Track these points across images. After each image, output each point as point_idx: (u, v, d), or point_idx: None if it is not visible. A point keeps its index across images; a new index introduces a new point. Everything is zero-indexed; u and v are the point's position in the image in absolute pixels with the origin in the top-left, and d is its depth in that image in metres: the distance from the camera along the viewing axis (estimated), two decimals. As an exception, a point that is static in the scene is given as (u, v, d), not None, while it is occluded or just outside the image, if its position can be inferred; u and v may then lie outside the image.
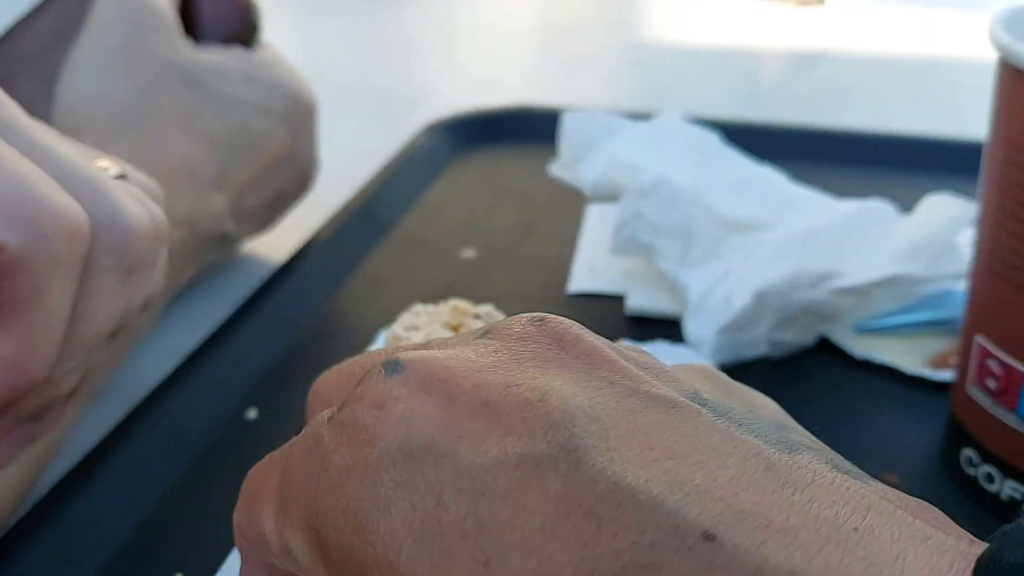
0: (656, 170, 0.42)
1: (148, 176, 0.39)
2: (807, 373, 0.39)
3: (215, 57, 0.43)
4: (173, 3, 0.44)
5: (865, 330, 0.40)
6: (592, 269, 0.47)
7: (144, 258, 0.29)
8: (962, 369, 0.31)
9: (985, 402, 0.30)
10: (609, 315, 0.43)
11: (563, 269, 0.48)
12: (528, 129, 0.66)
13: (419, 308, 0.33)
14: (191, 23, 0.46)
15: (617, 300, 0.44)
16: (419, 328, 0.31)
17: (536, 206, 0.55)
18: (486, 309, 0.33)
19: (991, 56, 0.29)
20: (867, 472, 0.34)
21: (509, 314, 0.42)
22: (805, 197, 0.45)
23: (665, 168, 0.44)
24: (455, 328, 0.31)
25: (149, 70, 0.41)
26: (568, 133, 0.47)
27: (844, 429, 0.36)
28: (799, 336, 0.39)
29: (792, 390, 0.38)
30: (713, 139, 0.47)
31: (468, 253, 0.50)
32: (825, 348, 0.40)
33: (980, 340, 0.30)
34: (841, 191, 0.58)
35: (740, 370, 0.39)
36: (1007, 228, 0.28)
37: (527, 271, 0.48)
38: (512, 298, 0.45)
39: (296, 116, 0.46)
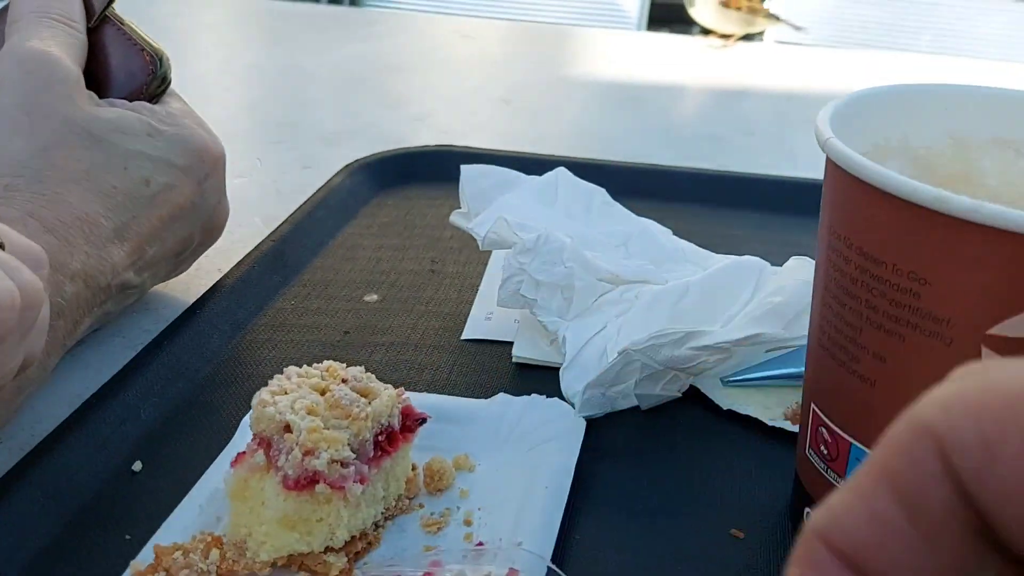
0: (542, 226, 0.43)
1: (44, 231, 0.38)
2: (676, 422, 0.40)
3: (118, 112, 0.43)
4: (78, 58, 0.44)
5: (732, 382, 0.40)
6: (487, 316, 0.47)
7: (10, 329, 0.29)
8: (802, 432, 0.32)
9: (820, 466, 0.31)
10: (498, 362, 0.44)
11: (462, 314, 0.48)
12: (447, 170, 0.66)
13: (292, 370, 0.33)
14: (99, 77, 0.45)
15: (508, 347, 0.45)
16: (288, 392, 0.31)
17: (444, 248, 0.55)
18: (354, 372, 0.33)
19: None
20: (717, 526, 0.34)
21: (393, 364, 0.43)
22: (684, 251, 0.45)
23: (552, 223, 0.44)
24: (322, 391, 0.31)
25: (48, 128, 0.40)
26: (465, 186, 0.47)
27: (707, 479, 0.36)
28: (668, 389, 0.39)
29: (660, 439, 0.39)
30: (601, 194, 0.47)
31: (371, 297, 0.50)
32: (695, 397, 0.41)
33: (814, 407, 0.30)
34: (747, 235, 0.58)
35: (610, 418, 0.39)
36: (831, 308, 0.28)
37: (426, 316, 0.48)
38: (406, 344, 0.45)
39: (202, 167, 0.46)
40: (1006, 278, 0.23)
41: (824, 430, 0.30)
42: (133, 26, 0.47)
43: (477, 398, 0.39)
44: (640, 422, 0.39)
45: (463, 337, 0.45)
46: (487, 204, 0.45)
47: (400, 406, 0.32)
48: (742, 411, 0.39)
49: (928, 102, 0.32)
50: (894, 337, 0.26)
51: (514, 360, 0.43)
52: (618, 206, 0.47)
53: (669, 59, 1.12)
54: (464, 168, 0.48)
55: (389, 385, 0.33)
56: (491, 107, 0.88)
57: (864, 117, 0.31)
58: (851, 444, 0.29)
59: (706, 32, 1.22)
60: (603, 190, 0.47)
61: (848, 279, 0.27)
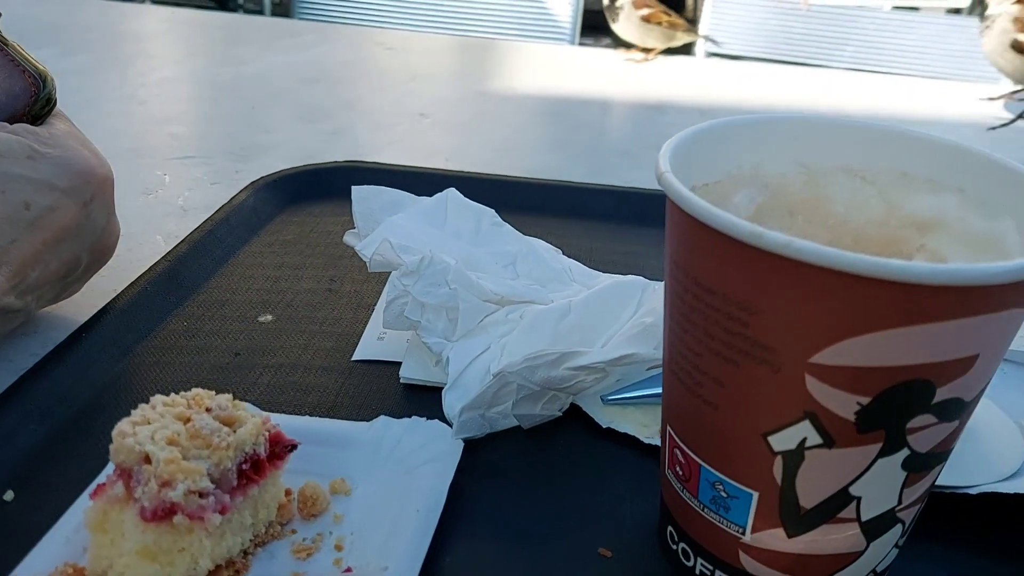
0: (428, 246, 0.43)
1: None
2: (556, 441, 0.40)
3: (-5, 135, 0.42)
4: (-45, 80, 0.43)
5: (611, 400, 0.41)
6: (380, 336, 0.47)
7: None
8: (662, 452, 0.33)
9: (677, 486, 0.31)
10: (386, 383, 0.44)
11: (355, 334, 0.48)
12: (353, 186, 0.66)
13: (158, 399, 0.32)
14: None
15: (398, 367, 0.45)
16: (150, 422, 0.31)
17: (344, 267, 0.55)
18: (221, 400, 0.33)
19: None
20: (587, 546, 0.35)
21: (280, 387, 0.43)
22: (571, 271, 0.46)
23: (440, 244, 0.45)
24: (186, 421, 0.31)
25: (-80, 151, 0.40)
26: (356, 207, 0.47)
27: (581, 498, 0.37)
28: (548, 409, 0.40)
29: (540, 458, 0.39)
30: (490, 215, 0.47)
31: (266, 318, 0.49)
32: (576, 416, 0.41)
33: (669, 429, 0.31)
34: (646, 251, 0.59)
35: (491, 438, 0.40)
36: (676, 333, 0.29)
37: (319, 337, 0.48)
38: (296, 366, 0.45)
39: (86, 188, 0.45)
40: (822, 309, 0.24)
41: (678, 451, 0.31)
42: (17, 47, 0.46)
43: (362, 420, 0.39)
44: (521, 442, 0.40)
45: (354, 358, 0.46)
46: (376, 225, 0.46)
47: (267, 434, 0.32)
48: (620, 429, 0.40)
49: (779, 132, 0.33)
50: (730, 364, 0.27)
51: (402, 381, 0.43)
52: (507, 226, 0.48)
53: (594, 73, 1.13)
54: (355, 188, 0.48)
55: (257, 412, 0.33)
56: (408, 121, 0.88)
57: (718, 147, 0.32)
58: (701, 466, 0.29)
59: (628, 46, 1.24)
60: (492, 211, 0.48)
61: (688, 306, 0.28)
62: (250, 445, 0.31)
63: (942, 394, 0.25)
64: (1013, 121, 0.95)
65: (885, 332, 0.24)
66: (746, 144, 0.33)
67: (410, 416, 0.39)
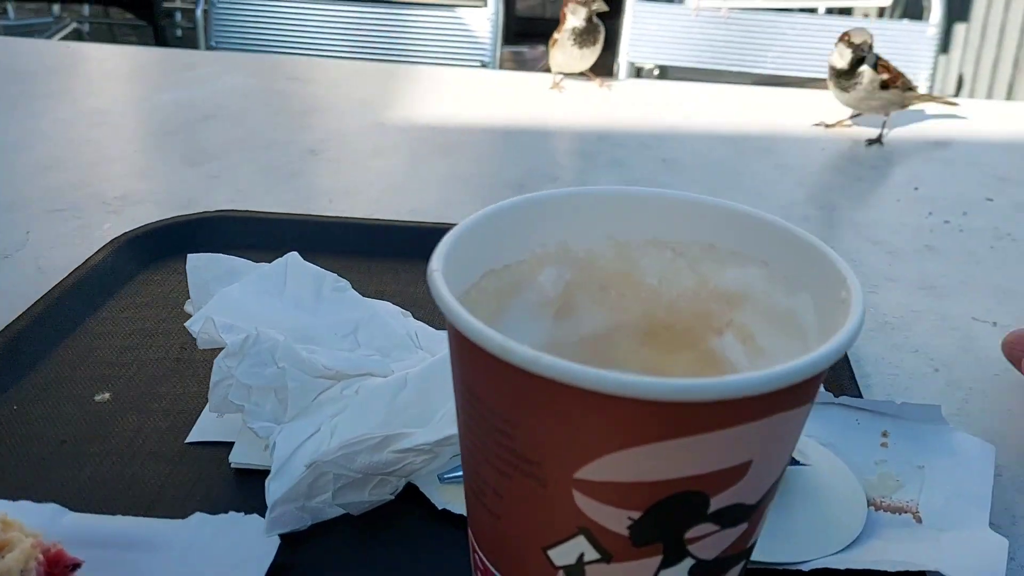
0: (257, 322, 0.41)
1: None
2: (390, 526, 0.38)
3: None
4: None
5: (448, 479, 0.39)
6: (219, 415, 0.45)
7: None
8: (469, 555, 0.31)
9: (483, 589, 0.30)
10: (219, 468, 0.41)
11: (195, 412, 0.45)
12: (227, 238, 0.64)
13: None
14: None
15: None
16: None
17: (199, 332, 0.53)
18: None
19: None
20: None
21: (100, 480, 0.40)
22: (416, 337, 0.44)
23: (278, 314, 0.43)
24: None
25: None
26: (190, 278, 0.45)
27: (412, 589, 0.35)
28: (378, 494, 0.38)
29: (372, 547, 0.37)
30: (331, 279, 0.45)
31: (103, 396, 0.47)
32: (412, 495, 0.39)
33: (470, 533, 0.29)
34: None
35: (318, 530, 0.37)
36: (462, 435, 0.27)
37: (155, 416, 0.45)
38: (122, 453, 0.42)
39: None
40: (577, 425, 0.22)
41: (477, 557, 0.29)
42: None
43: (181, 515, 0.37)
44: (351, 530, 0.38)
45: (188, 440, 0.43)
46: (209, 297, 0.43)
47: (40, 557, 0.30)
48: (456, 511, 0.38)
49: (587, 206, 0.32)
50: (504, 476, 0.25)
51: (232, 466, 0.41)
52: (350, 291, 0.46)
53: (504, 98, 1.11)
54: (190, 257, 0.45)
55: (33, 533, 0.30)
56: (297, 160, 0.86)
57: (521, 225, 0.31)
58: (494, 575, 0.28)
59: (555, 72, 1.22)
60: (334, 275, 0.46)
61: (466, 412, 0.26)
62: (17, 572, 0.29)
63: (718, 503, 0.24)
64: (878, 136, 0.99)
65: (643, 448, 0.22)
66: (552, 220, 0.31)
67: (235, 508, 0.37)
